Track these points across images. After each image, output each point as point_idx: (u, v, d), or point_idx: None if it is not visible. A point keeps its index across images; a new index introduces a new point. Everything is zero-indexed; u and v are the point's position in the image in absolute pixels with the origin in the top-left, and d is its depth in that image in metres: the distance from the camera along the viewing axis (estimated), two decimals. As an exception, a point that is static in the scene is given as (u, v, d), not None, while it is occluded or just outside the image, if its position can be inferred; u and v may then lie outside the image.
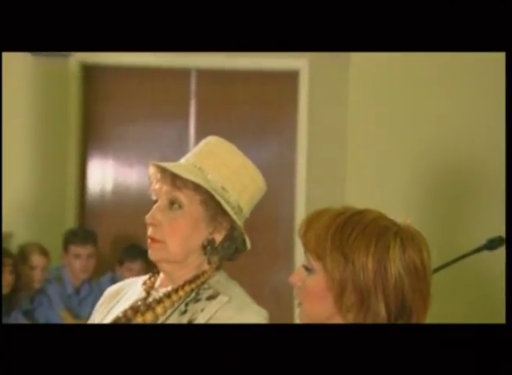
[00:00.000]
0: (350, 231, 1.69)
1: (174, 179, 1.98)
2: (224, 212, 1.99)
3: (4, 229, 5.01)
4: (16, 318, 4.53)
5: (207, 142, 2.08)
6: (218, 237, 2.01)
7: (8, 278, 4.46)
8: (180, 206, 1.98)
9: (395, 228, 1.72)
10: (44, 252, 4.94)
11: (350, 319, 1.70)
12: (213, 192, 1.97)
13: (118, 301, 2.13)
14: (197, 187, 1.97)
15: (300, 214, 5.42)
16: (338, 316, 1.71)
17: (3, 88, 5.32)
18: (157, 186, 2.02)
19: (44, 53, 5.34)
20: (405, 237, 1.71)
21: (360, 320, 1.69)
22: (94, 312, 2.19)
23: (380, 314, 1.69)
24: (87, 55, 5.60)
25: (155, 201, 2.03)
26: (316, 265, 1.72)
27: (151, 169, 2.04)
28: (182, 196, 1.98)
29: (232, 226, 2.01)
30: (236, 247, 2.04)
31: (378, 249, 1.68)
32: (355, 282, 1.68)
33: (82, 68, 5.77)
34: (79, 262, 5.09)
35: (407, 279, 1.69)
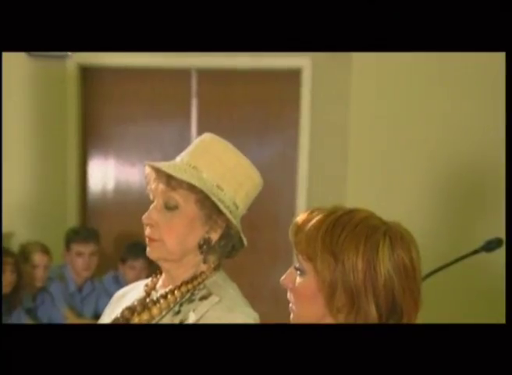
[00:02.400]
0: (339, 231, 1.69)
1: (169, 179, 1.99)
2: (219, 211, 2.00)
3: (5, 228, 5.02)
4: (19, 316, 4.54)
5: (201, 140, 2.09)
6: (215, 236, 2.02)
7: (9, 277, 4.47)
8: (176, 206, 1.99)
9: (384, 227, 1.72)
10: (46, 251, 4.95)
11: (341, 319, 1.71)
12: (208, 192, 1.97)
13: (122, 303, 2.15)
14: (191, 187, 1.98)
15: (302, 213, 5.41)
16: (329, 317, 1.72)
17: (2, 89, 5.33)
18: (153, 186, 2.04)
19: (43, 54, 5.33)
20: (394, 236, 1.71)
21: (351, 321, 1.70)
22: (102, 315, 2.21)
23: (371, 314, 1.69)
24: (86, 56, 5.61)
25: (153, 201, 2.04)
26: (307, 266, 1.72)
27: (147, 169, 2.06)
28: (177, 196, 1.99)
29: (228, 224, 2.02)
30: (233, 245, 2.05)
31: (367, 249, 1.68)
32: (345, 283, 1.68)
33: (81, 69, 5.77)
34: (81, 261, 5.10)
35: (397, 278, 1.69)
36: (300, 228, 1.73)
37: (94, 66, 5.76)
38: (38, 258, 4.89)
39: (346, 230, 1.69)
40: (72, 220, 5.72)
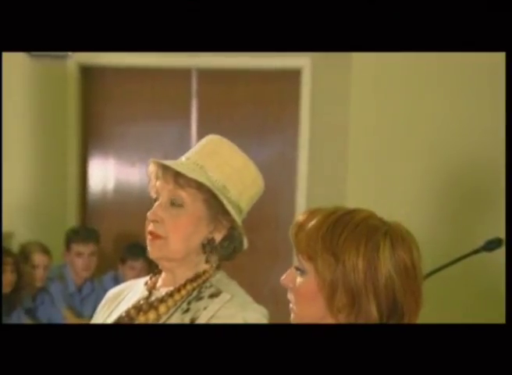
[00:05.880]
0: (340, 231, 1.69)
1: (177, 177, 1.98)
2: (225, 212, 1.99)
3: (5, 228, 5.01)
4: (19, 316, 4.54)
5: (209, 141, 2.08)
6: (218, 237, 2.02)
7: (9, 277, 4.47)
8: (182, 204, 1.99)
9: (385, 228, 1.71)
10: (46, 251, 4.95)
11: (342, 319, 1.70)
12: (216, 191, 1.97)
13: (120, 302, 2.14)
14: (200, 186, 1.97)
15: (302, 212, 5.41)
16: (329, 317, 1.71)
17: (3, 89, 5.33)
18: (157, 183, 2.02)
19: (44, 53, 5.33)
20: (395, 236, 1.71)
21: (351, 321, 1.69)
22: (96, 313, 2.20)
23: (371, 314, 1.68)
24: (87, 56, 5.61)
25: (155, 199, 2.04)
26: (307, 266, 1.72)
27: (151, 167, 2.04)
28: (184, 194, 1.98)
29: (232, 225, 2.01)
30: (235, 246, 2.05)
31: (368, 249, 1.68)
32: (346, 283, 1.67)
33: (81, 69, 5.77)
34: (81, 261, 5.10)
35: (398, 279, 1.69)
36: (300, 228, 1.73)
37: (95, 65, 5.76)
38: (38, 258, 4.89)
39: (347, 230, 1.69)
40: (72, 220, 5.72)
